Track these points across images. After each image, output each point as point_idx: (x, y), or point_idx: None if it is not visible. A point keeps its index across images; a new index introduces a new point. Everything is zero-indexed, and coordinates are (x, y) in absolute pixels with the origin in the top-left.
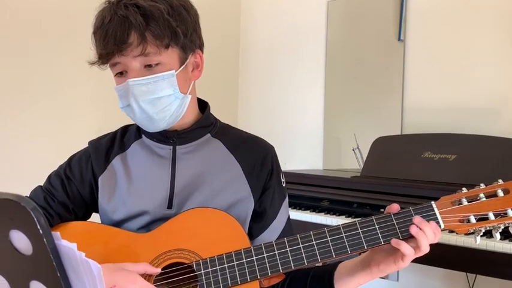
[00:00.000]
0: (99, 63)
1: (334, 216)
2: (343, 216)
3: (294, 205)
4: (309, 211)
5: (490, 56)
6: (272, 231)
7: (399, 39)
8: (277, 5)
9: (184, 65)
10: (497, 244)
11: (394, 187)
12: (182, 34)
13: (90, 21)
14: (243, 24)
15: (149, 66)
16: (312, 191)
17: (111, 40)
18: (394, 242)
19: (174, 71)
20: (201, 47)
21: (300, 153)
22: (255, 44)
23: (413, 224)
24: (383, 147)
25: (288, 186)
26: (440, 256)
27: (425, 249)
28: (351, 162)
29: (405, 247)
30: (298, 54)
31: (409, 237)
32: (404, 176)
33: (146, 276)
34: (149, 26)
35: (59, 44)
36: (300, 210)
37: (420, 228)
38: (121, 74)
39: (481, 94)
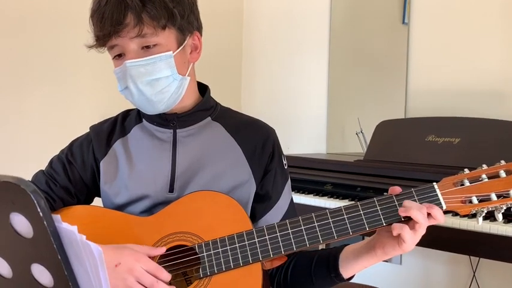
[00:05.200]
0: (97, 45)
1: (338, 200)
2: (347, 200)
3: (297, 189)
4: (312, 195)
5: (495, 39)
6: (275, 213)
7: (403, 22)
8: None
9: (182, 47)
10: (500, 227)
11: (398, 171)
12: (179, 15)
13: (90, 4)
14: (247, 9)
15: (147, 47)
16: (316, 175)
17: (108, 22)
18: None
19: (171, 52)
20: (199, 29)
21: (303, 137)
22: (259, 28)
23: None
24: (387, 131)
25: (291, 170)
26: (444, 239)
27: (423, 222)
28: (354, 146)
29: (396, 226)
30: (301, 37)
31: (409, 219)
32: (408, 159)
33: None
34: (145, 7)
35: (62, 27)
36: (304, 194)
37: (408, 206)
38: (119, 57)
39: (486, 77)
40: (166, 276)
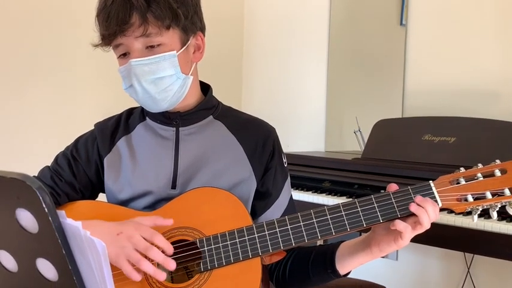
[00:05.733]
0: (102, 44)
1: (336, 197)
2: (344, 197)
3: (296, 186)
4: (310, 192)
5: (490, 40)
6: (275, 210)
7: (401, 23)
8: None
9: (185, 47)
10: (494, 225)
11: (395, 169)
12: (183, 15)
13: (94, 3)
14: (248, 10)
15: (151, 47)
16: (314, 172)
17: (113, 21)
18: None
19: (175, 51)
20: (202, 29)
21: (302, 135)
22: (259, 28)
23: (413, 202)
24: (384, 129)
25: (290, 167)
26: (439, 236)
27: (426, 226)
28: (352, 144)
29: (400, 224)
30: (301, 38)
31: (407, 215)
32: (404, 158)
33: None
34: (150, 7)
35: (67, 26)
36: (302, 191)
37: (421, 206)
38: (124, 56)
39: (482, 78)
40: (161, 240)
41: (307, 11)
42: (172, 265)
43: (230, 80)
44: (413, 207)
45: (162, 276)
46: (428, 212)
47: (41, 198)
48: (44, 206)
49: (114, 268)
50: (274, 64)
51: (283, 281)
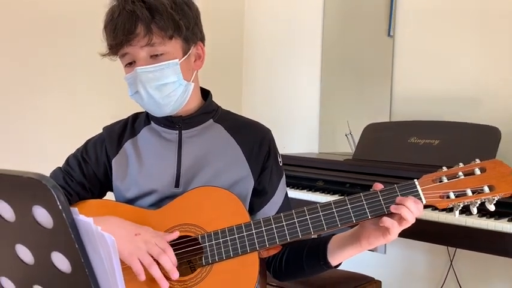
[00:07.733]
0: (110, 54)
1: (329, 195)
2: (337, 195)
3: (292, 185)
4: (305, 191)
5: (472, 51)
6: (271, 206)
7: (389, 34)
8: (279, 2)
9: (187, 55)
10: (475, 221)
11: (383, 169)
12: (184, 27)
13: (102, 15)
14: (247, 20)
15: (155, 55)
16: (309, 172)
17: (120, 32)
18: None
19: (177, 60)
20: (202, 39)
21: (297, 138)
22: (258, 37)
23: (395, 203)
24: (373, 132)
25: (286, 168)
26: (424, 231)
27: (411, 220)
28: (344, 146)
29: (387, 221)
30: (297, 48)
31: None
32: (392, 159)
33: None
34: (154, 19)
35: (78, 37)
36: (298, 190)
37: (401, 204)
38: (130, 65)
39: (463, 85)
40: (171, 253)
41: (303, 22)
42: (176, 275)
43: (231, 85)
44: (393, 208)
45: (165, 284)
46: (410, 208)
47: (55, 196)
48: (59, 203)
49: (122, 264)
50: (273, 71)
51: (279, 272)
